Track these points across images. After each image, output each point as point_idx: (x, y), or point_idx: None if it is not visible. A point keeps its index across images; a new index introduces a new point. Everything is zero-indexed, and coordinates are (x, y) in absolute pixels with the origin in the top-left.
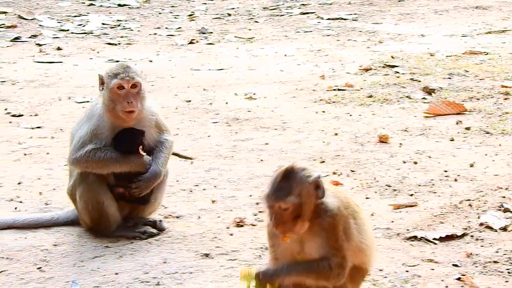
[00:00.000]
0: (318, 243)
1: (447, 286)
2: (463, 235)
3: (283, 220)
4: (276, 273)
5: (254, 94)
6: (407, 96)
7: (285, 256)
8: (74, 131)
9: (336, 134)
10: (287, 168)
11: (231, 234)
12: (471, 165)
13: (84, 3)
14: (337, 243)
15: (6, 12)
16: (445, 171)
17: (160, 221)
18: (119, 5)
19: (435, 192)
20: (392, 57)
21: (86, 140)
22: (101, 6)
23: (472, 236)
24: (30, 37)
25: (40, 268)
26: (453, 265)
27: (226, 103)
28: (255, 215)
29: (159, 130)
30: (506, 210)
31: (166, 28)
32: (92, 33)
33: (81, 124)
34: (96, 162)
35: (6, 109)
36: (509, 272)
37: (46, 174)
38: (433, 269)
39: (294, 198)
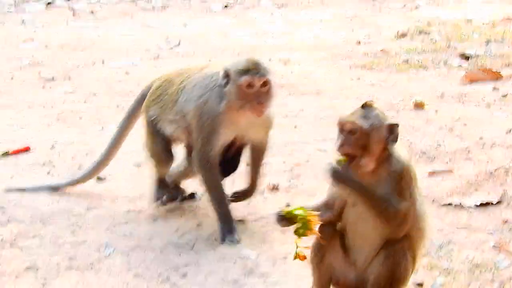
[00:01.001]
0: (383, 191)
1: (482, 253)
2: (499, 202)
3: (349, 144)
4: (348, 177)
5: (288, 59)
6: (443, 63)
7: (340, 203)
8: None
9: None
10: (368, 103)
11: (265, 199)
12: (507, 132)
13: None
14: (404, 193)
15: None
16: (481, 138)
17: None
18: None
19: (470, 159)
20: (429, 23)
21: (208, 148)
22: None
23: (508, 203)
24: (64, 1)
25: (73, 231)
26: (489, 232)
27: None
28: (289, 181)
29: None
30: None
31: None
32: None
33: (200, 113)
34: (209, 179)
35: (39, 73)
36: None
37: (78, 139)
38: (468, 236)
39: (366, 124)
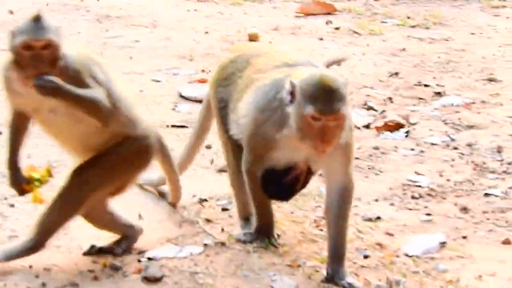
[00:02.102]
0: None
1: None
2: None
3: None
4: (56, 85)
5: None
6: None
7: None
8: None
9: (206, 33)
10: (38, 15)
11: None
12: (338, 64)
13: None
14: (83, 83)
15: None
16: None
17: None
18: None
19: None
20: None
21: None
22: None
23: None
24: None
25: None
26: None
27: (98, 0)
28: None
29: None
30: (370, 108)
31: None
32: None
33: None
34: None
35: None
36: (369, 168)
37: None
38: None
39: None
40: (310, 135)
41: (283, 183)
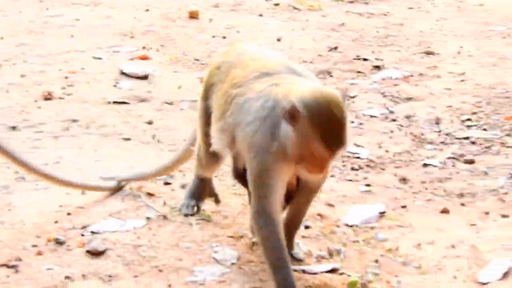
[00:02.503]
0: None
1: None
2: None
3: None
4: None
5: None
6: None
7: None
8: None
9: (147, 10)
10: None
11: (39, 107)
12: (279, 39)
13: None
14: None
15: None
16: None
17: None
18: None
19: None
20: None
21: (266, 198)
22: None
23: None
24: None
25: None
26: None
27: None
28: (63, 88)
29: None
30: None
31: None
32: None
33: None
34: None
35: None
36: None
37: None
38: None
39: None
40: (309, 161)
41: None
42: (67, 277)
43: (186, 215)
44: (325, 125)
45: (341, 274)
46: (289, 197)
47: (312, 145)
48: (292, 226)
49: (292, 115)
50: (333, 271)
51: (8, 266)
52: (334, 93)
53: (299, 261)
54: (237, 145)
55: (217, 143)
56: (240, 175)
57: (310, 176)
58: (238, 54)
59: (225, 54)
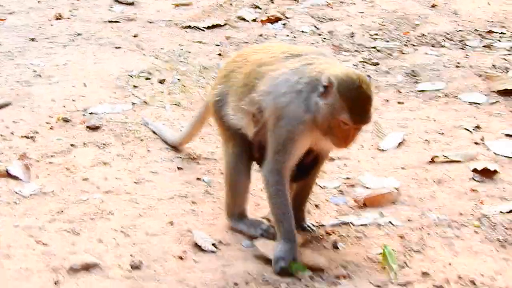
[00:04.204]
0: None
1: (210, 60)
2: (225, 24)
3: None
4: None
5: None
6: None
7: None
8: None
9: None
10: None
11: (52, 25)
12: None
13: None
14: None
15: None
16: None
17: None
18: None
19: None
20: None
21: (283, 157)
22: None
23: (231, 25)
24: None
25: None
26: (216, 44)
27: None
28: (70, 11)
29: None
30: (256, 7)
31: None
32: None
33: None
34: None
35: None
36: None
37: None
38: (200, 48)
39: None
40: (335, 133)
41: (302, 165)
42: (72, 145)
43: (267, 237)
44: (354, 100)
45: None
46: (304, 170)
47: (340, 118)
48: (303, 196)
49: (326, 89)
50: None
51: (27, 137)
52: (363, 74)
53: (309, 232)
54: (264, 114)
55: (240, 119)
56: (259, 156)
57: (333, 148)
58: (251, 48)
59: (238, 53)
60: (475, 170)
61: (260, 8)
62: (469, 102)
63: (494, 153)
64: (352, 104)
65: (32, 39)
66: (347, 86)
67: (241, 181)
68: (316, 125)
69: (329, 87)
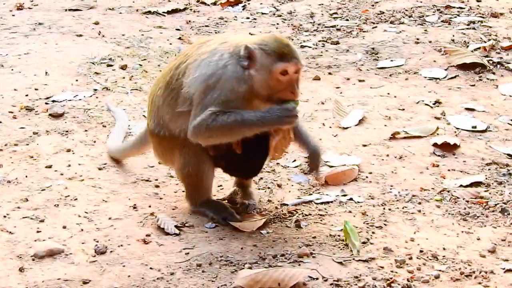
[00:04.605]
0: None
1: (171, 44)
2: (185, 9)
3: None
4: None
5: None
6: None
7: None
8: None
9: None
10: None
11: (13, 15)
12: None
13: None
14: None
15: None
16: None
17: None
18: None
19: None
20: None
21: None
22: None
23: (191, 9)
24: None
25: None
26: (176, 29)
27: None
28: (31, 1)
29: None
30: None
31: None
32: None
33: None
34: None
35: None
36: (215, 31)
37: None
38: (161, 33)
39: None
40: (279, 90)
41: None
42: (35, 133)
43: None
44: (278, 49)
45: None
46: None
47: (275, 70)
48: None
49: (248, 55)
50: None
51: None
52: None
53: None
54: (194, 100)
55: (183, 124)
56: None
57: (286, 102)
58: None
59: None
60: (435, 145)
61: None
62: (429, 78)
63: (455, 127)
64: (279, 52)
65: None
66: (266, 44)
67: (205, 174)
68: (254, 94)
69: (252, 55)
